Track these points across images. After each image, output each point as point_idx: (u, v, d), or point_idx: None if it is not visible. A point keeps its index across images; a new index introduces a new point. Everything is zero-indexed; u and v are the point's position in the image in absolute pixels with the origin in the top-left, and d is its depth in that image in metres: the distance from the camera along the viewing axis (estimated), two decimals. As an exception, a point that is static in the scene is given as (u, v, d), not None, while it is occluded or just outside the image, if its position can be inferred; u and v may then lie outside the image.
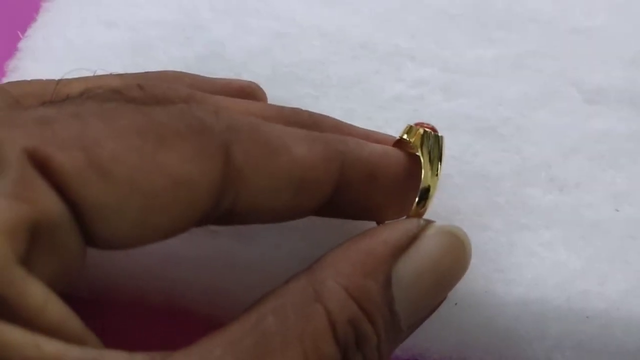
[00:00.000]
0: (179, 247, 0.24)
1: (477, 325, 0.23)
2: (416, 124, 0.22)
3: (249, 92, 0.26)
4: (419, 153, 0.21)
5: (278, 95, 0.29)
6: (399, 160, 0.22)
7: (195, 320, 0.25)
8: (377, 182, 0.21)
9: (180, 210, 0.17)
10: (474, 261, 0.23)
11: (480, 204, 0.25)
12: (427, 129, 0.22)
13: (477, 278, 0.23)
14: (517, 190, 0.25)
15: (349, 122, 0.27)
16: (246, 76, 0.29)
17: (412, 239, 0.19)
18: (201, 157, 0.17)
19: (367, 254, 0.18)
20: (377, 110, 0.29)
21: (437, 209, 0.25)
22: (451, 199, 0.25)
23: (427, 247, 0.19)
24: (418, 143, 0.21)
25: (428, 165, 0.21)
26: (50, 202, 0.15)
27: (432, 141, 0.21)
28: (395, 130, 0.27)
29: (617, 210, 0.25)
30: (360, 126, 0.27)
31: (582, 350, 0.23)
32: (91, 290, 0.26)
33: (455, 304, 0.23)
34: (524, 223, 0.24)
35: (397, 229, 0.19)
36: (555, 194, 0.25)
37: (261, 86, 0.29)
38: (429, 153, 0.21)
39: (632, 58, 0.31)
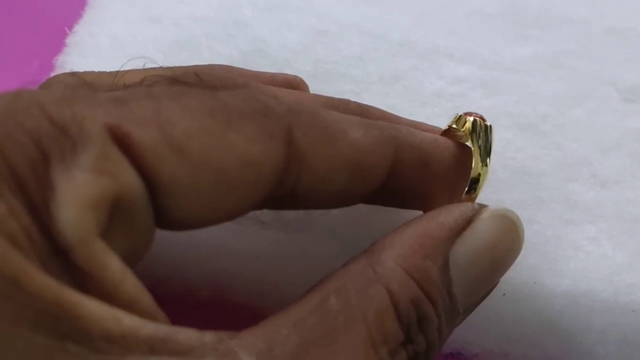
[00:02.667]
0: (227, 239, 0.25)
1: (522, 317, 0.23)
2: (465, 114, 0.22)
3: (294, 85, 0.26)
4: (468, 142, 0.22)
5: (320, 91, 0.29)
6: (449, 149, 0.22)
7: (244, 313, 0.25)
8: (429, 169, 0.21)
9: (247, 190, 0.18)
10: (522, 252, 0.23)
11: (525, 198, 0.25)
12: (477, 118, 0.22)
13: (525, 269, 0.23)
14: (559, 186, 0.26)
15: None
16: (289, 72, 0.30)
17: (468, 222, 0.19)
18: (266, 138, 0.18)
19: (424, 236, 0.18)
20: (419, 106, 0.29)
21: (482, 199, 0.25)
22: (495, 193, 0.25)
23: (482, 230, 0.19)
24: (468, 132, 0.22)
25: (478, 155, 0.21)
26: (130, 178, 0.16)
27: (482, 130, 0.22)
28: (437, 125, 0.28)
29: (658, 207, 0.25)
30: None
31: (625, 344, 0.23)
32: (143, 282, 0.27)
33: (504, 294, 0.23)
34: (568, 218, 0.25)
35: (452, 212, 0.19)
36: (597, 190, 0.26)
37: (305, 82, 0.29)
38: (479, 142, 0.22)
39: (666, 59, 0.31)
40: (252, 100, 0.18)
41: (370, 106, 0.24)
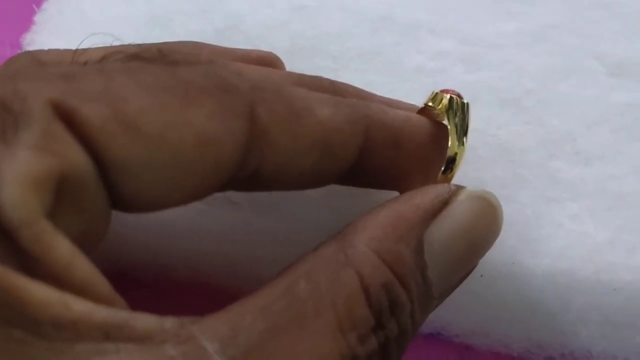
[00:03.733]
0: (201, 221, 0.24)
1: (502, 297, 0.23)
2: (441, 91, 0.22)
3: (268, 62, 0.25)
4: (445, 121, 0.21)
5: (297, 68, 0.28)
6: (423, 127, 0.21)
7: (220, 294, 0.25)
8: (401, 149, 0.20)
9: (207, 169, 0.17)
10: (501, 232, 0.23)
11: (505, 176, 0.25)
12: (453, 96, 0.21)
13: (504, 249, 0.23)
14: (542, 163, 0.25)
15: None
16: (264, 49, 0.29)
17: (444, 203, 0.18)
18: (227, 115, 0.17)
19: (398, 218, 0.18)
20: (398, 82, 0.28)
21: (462, 181, 0.24)
22: (476, 171, 0.25)
23: (459, 212, 0.19)
24: (444, 110, 0.21)
25: (454, 133, 0.21)
26: (76, 156, 0.15)
27: (458, 108, 0.21)
28: (416, 102, 0.27)
29: (643, 183, 0.24)
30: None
31: (607, 323, 0.23)
32: (116, 266, 0.26)
33: (481, 275, 0.22)
34: (549, 195, 0.24)
35: (428, 194, 0.19)
36: (581, 166, 0.25)
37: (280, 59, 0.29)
38: (455, 120, 0.21)
39: (656, 32, 0.30)
40: (213, 76, 0.18)
41: (343, 83, 0.23)
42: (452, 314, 0.24)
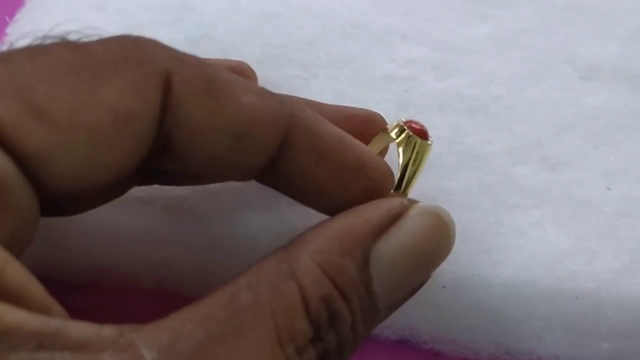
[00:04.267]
0: (165, 231, 0.24)
1: (465, 307, 0.23)
2: (407, 123, 0.21)
3: (238, 72, 0.25)
4: (400, 159, 0.21)
5: (267, 76, 0.29)
6: (360, 151, 0.20)
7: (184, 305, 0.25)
8: (324, 165, 0.19)
9: (125, 145, 0.17)
10: (461, 243, 0.23)
11: (470, 184, 0.25)
12: (414, 135, 0.21)
13: (464, 260, 0.23)
14: (507, 170, 0.25)
15: (340, 103, 0.27)
16: (235, 57, 0.29)
17: (395, 218, 0.18)
18: (141, 87, 0.17)
19: (346, 231, 0.18)
20: (368, 91, 0.28)
21: (426, 190, 0.24)
22: (440, 179, 0.25)
23: (409, 228, 0.18)
24: (402, 146, 0.21)
25: (401, 173, 0.21)
26: None
27: (417, 149, 0.21)
28: (386, 111, 0.27)
29: (609, 189, 0.24)
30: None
31: (572, 330, 0.23)
32: (83, 277, 0.26)
33: (443, 287, 0.22)
34: (513, 203, 0.24)
35: (379, 208, 0.18)
36: (547, 172, 0.25)
37: (251, 67, 0.29)
38: (407, 161, 0.21)
39: (628, 34, 0.30)
40: (127, 46, 0.17)
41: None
42: (419, 321, 0.24)
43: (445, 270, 0.22)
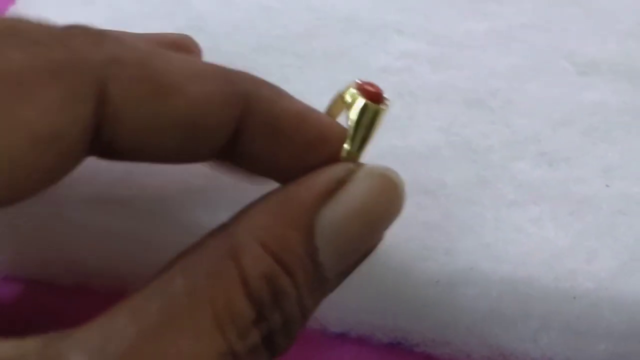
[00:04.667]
0: (150, 232, 0.24)
1: (459, 304, 0.22)
2: (361, 86, 0.20)
3: (182, 46, 0.23)
4: (349, 122, 0.19)
5: (261, 65, 0.28)
6: (320, 125, 0.19)
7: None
8: (285, 143, 0.18)
9: (50, 165, 0.16)
10: (459, 235, 0.22)
11: (467, 177, 0.24)
12: (367, 100, 0.19)
13: (460, 254, 0.22)
14: (505, 164, 0.24)
15: (333, 93, 0.26)
16: (228, 47, 0.29)
17: (340, 183, 0.17)
18: (68, 103, 0.15)
19: (288, 202, 0.17)
20: (363, 81, 0.28)
21: (422, 181, 0.24)
22: (437, 171, 0.24)
23: (354, 191, 0.17)
24: (352, 112, 0.19)
25: (352, 137, 0.19)
26: None
27: (368, 114, 0.19)
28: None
29: (608, 186, 0.24)
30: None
31: (569, 331, 0.22)
32: (70, 279, 0.26)
33: (437, 281, 0.22)
34: (511, 198, 0.23)
35: (322, 175, 0.18)
36: (545, 168, 0.25)
37: (244, 57, 0.28)
38: (357, 125, 0.19)
39: (628, 31, 0.30)
40: (55, 53, 0.16)
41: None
42: (411, 323, 0.23)
43: (441, 263, 0.22)
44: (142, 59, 0.17)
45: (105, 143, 0.17)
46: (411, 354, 0.24)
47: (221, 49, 0.29)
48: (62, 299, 0.25)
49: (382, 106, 0.19)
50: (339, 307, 0.23)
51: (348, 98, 0.20)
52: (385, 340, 0.24)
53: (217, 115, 0.17)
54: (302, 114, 0.19)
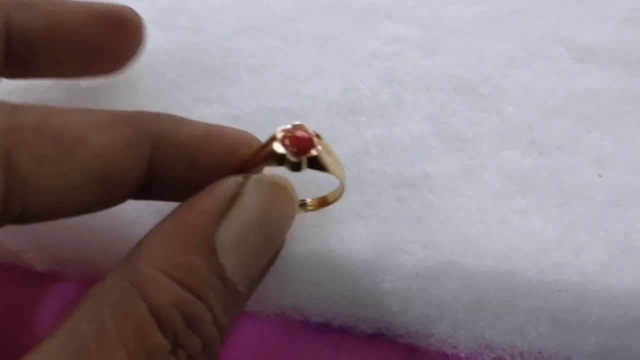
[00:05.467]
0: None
1: (441, 298, 0.21)
2: (285, 137, 0.19)
3: (124, 19, 0.23)
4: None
5: (246, 45, 0.27)
6: (227, 142, 0.19)
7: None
8: (199, 166, 0.19)
9: None
10: (439, 229, 0.21)
11: (453, 167, 0.23)
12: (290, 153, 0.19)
13: (442, 248, 0.21)
14: (494, 154, 0.24)
15: (319, 78, 0.26)
16: (211, 28, 0.28)
17: (232, 199, 0.18)
18: None
19: (184, 227, 0.17)
20: (350, 66, 0.27)
21: (404, 173, 0.23)
22: (422, 161, 0.23)
23: (248, 204, 0.18)
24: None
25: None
26: None
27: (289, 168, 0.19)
28: (369, 87, 0.26)
29: (600, 176, 0.23)
30: (332, 83, 0.25)
31: (557, 325, 0.21)
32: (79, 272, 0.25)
33: (416, 274, 0.21)
34: (498, 189, 0.23)
35: (213, 194, 0.18)
36: (535, 157, 0.24)
37: (225, 36, 0.27)
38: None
39: (625, 16, 0.29)
40: None
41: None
42: (393, 315, 0.22)
43: (421, 258, 0.21)
44: (40, 121, 0.17)
45: (19, 210, 0.17)
46: (395, 345, 0.23)
47: (204, 29, 0.28)
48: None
49: (312, 153, 0.19)
50: (320, 299, 0.23)
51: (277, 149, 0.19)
52: (368, 332, 0.23)
53: (126, 160, 0.18)
54: (207, 134, 0.19)
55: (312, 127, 0.20)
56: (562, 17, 0.29)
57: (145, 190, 0.19)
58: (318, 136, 0.19)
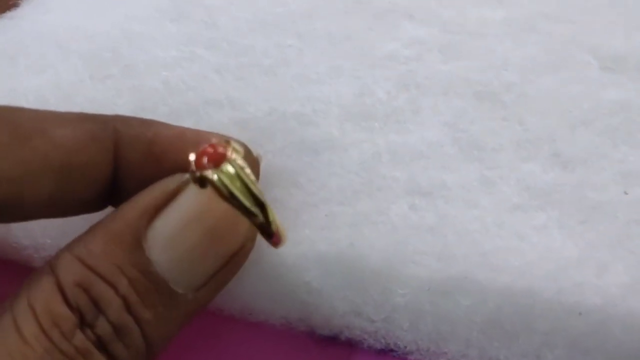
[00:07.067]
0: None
1: (453, 314, 0.20)
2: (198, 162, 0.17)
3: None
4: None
5: (260, 42, 0.26)
6: (199, 139, 0.19)
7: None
8: (167, 166, 0.19)
9: None
10: (453, 242, 0.21)
11: (470, 177, 0.22)
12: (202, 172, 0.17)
13: (456, 261, 0.20)
14: (514, 165, 0.23)
15: (333, 80, 0.25)
16: (225, 22, 0.27)
17: (171, 195, 0.18)
18: None
19: (113, 220, 0.17)
20: (366, 68, 0.26)
21: (419, 180, 0.22)
22: (437, 170, 0.22)
23: (185, 201, 0.18)
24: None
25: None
26: None
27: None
28: (385, 91, 0.25)
29: (626, 193, 0.22)
30: (347, 85, 0.24)
31: (575, 348, 0.20)
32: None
33: (429, 288, 0.20)
34: (516, 202, 0.22)
35: (153, 190, 0.18)
36: (557, 171, 0.23)
37: (239, 32, 0.27)
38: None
39: (657, 24, 0.28)
40: None
41: None
42: (404, 330, 0.21)
43: (433, 270, 0.20)
44: (2, 111, 0.18)
45: None
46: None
47: (217, 24, 0.27)
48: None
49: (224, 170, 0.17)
50: (326, 310, 0.22)
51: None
52: (376, 346, 0.22)
53: (87, 151, 0.18)
54: (179, 135, 0.19)
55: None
56: (591, 24, 0.28)
57: (120, 192, 0.19)
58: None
